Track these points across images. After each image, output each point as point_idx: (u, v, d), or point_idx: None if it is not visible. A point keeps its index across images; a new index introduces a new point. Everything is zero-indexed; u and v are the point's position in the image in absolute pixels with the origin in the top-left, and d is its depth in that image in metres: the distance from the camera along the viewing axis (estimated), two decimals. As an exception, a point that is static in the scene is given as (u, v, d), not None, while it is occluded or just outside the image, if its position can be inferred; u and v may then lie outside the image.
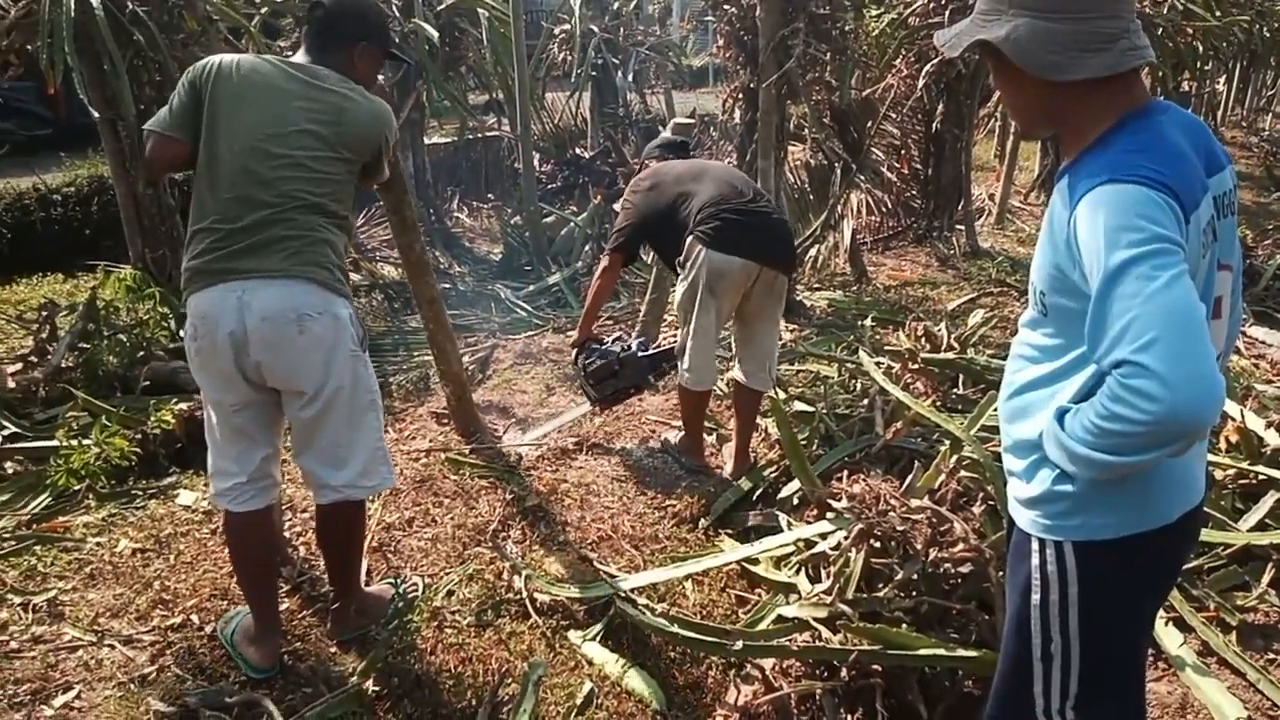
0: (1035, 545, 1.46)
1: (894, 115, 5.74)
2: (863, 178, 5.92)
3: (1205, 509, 2.87)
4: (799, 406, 3.65)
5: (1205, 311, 1.36)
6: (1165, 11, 7.70)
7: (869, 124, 5.58)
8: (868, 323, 4.84)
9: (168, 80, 4.10)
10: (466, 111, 7.05)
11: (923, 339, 3.92)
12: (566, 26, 8.41)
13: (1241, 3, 10.17)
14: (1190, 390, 1.11)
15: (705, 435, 3.54)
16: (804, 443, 3.48)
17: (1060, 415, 1.32)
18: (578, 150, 7.44)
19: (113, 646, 2.42)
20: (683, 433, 3.49)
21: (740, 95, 5.28)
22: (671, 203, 3.16)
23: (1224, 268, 1.40)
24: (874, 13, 5.87)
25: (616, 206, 3.40)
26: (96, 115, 4.24)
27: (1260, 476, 3.05)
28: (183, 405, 3.55)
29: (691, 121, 3.62)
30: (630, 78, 8.25)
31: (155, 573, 2.75)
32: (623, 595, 2.56)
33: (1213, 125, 11.99)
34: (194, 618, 2.53)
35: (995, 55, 1.37)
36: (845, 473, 3.01)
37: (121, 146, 4.33)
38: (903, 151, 6.23)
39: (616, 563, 2.83)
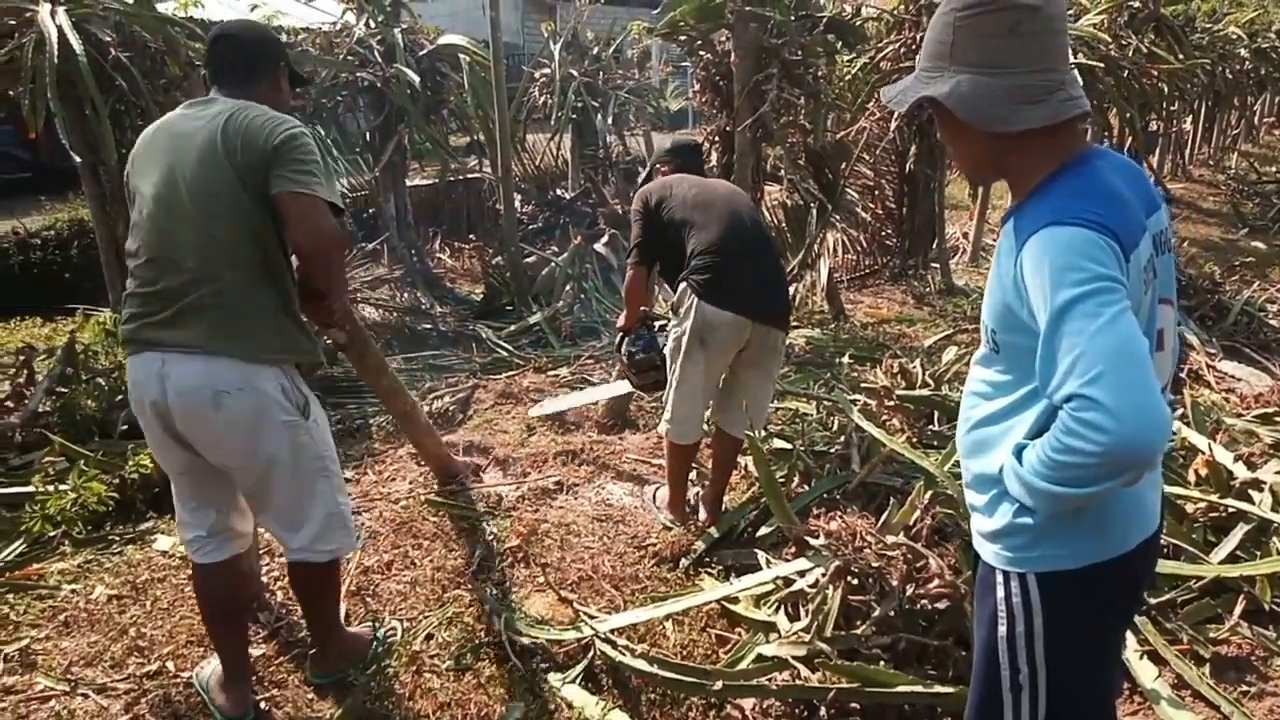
0: (1000, 578, 1.49)
1: (867, 156, 5.86)
2: (838, 218, 6.02)
3: (1179, 542, 2.95)
4: (778, 444, 3.68)
5: (1150, 345, 1.42)
6: (1131, 54, 7.93)
7: (843, 165, 5.69)
8: (845, 360, 4.90)
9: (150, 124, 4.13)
10: (448, 154, 7.13)
11: (898, 376, 3.97)
12: (547, 71, 8.55)
13: (1204, 46, 10.49)
14: (1138, 421, 1.16)
15: (689, 485, 3.46)
16: (782, 480, 3.51)
17: (1018, 451, 1.38)
18: (559, 191, 7.52)
19: (86, 696, 2.39)
20: (665, 485, 3.39)
21: (717, 138, 5.38)
22: (676, 229, 3.01)
23: (1164, 302, 1.46)
24: (847, 57, 6.01)
25: (633, 209, 3.25)
26: (78, 160, 4.26)
27: (1230, 509, 3.10)
28: (161, 449, 3.53)
29: (685, 139, 3.62)
30: (610, 120, 8.38)
31: (131, 619, 2.72)
32: (602, 636, 2.56)
33: (1181, 164, 12.28)
34: (170, 665, 2.51)
35: (940, 109, 1.44)
36: (823, 510, 3.03)
37: (102, 190, 4.34)
38: (876, 192, 6.35)
39: (596, 603, 2.83)
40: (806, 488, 3.37)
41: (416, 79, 6.20)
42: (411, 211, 7.05)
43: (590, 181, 7.79)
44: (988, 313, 1.47)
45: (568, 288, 5.85)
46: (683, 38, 5.19)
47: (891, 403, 3.72)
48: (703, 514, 3.33)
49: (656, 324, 3.39)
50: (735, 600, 2.77)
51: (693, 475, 3.60)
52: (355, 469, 3.79)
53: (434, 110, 6.79)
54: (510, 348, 5.27)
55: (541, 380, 4.83)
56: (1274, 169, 12.42)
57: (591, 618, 2.68)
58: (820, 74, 5.17)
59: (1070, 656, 1.48)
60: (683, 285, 2.98)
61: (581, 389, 4.60)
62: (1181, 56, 9.06)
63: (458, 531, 3.24)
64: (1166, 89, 9.02)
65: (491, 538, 3.19)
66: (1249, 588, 2.81)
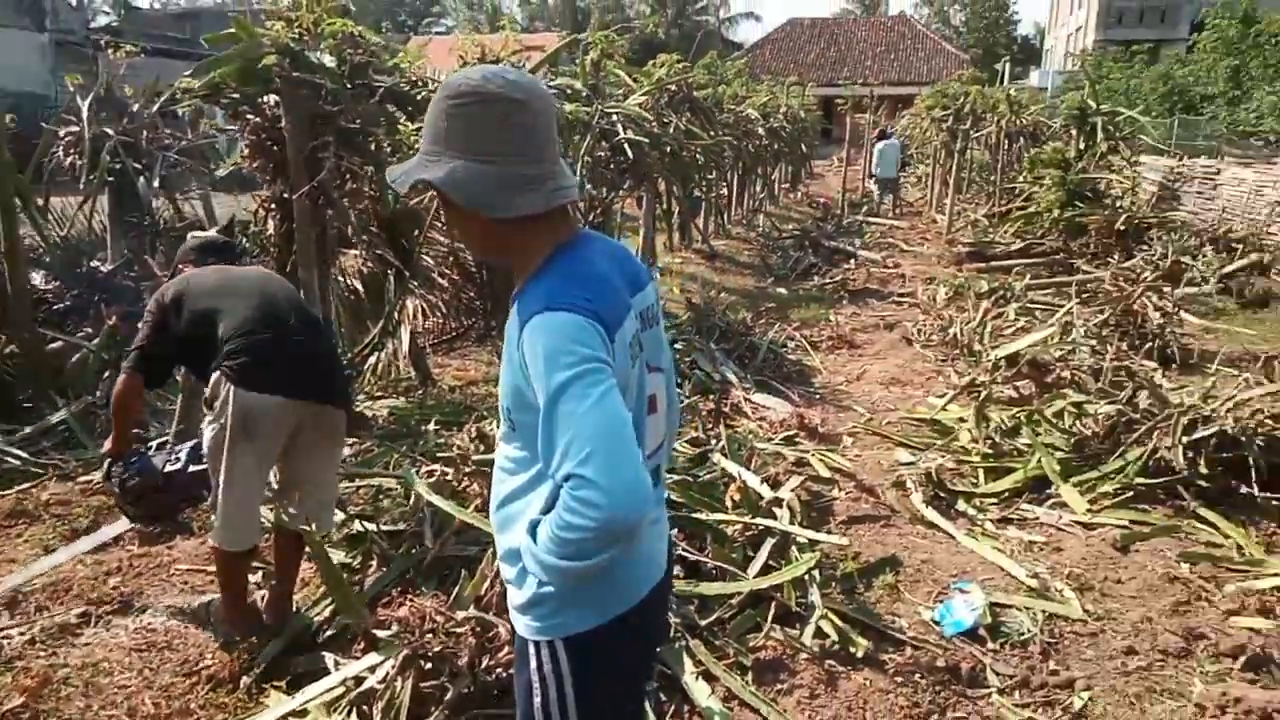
0: (531, 649, 1.53)
1: (440, 223, 5.92)
2: (416, 283, 5.99)
3: (722, 564, 3.29)
4: (358, 526, 3.48)
5: (642, 410, 1.56)
6: (672, 131, 9.05)
7: (416, 232, 5.69)
8: (432, 427, 4.83)
9: None
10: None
11: (477, 439, 3.99)
12: (75, 129, 7.46)
13: (730, 124, 12.36)
14: (626, 495, 1.27)
15: (253, 588, 3.13)
16: (359, 566, 3.33)
17: (532, 530, 1.43)
18: (94, 264, 6.54)
19: None
20: (220, 596, 3.00)
21: (273, 205, 5.06)
22: (202, 321, 2.74)
23: (655, 370, 1.61)
24: (413, 126, 6.04)
25: (148, 308, 2.85)
26: None
27: (760, 527, 3.56)
28: None
29: (210, 236, 3.26)
30: (157, 183, 7.51)
31: None
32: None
33: (723, 224, 14.26)
34: None
35: (440, 192, 1.47)
36: (397, 594, 2.91)
37: None
38: (452, 257, 6.44)
39: (129, 755, 2.40)
40: (386, 569, 3.23)
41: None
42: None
43: (133, 252, 6.89)
44: (502, 392, 1.51)
45: (107, 375, 5.05)
46: (225, 101, 4.82)
47: (469, 468, 3.71)
48: (269, 617, 3.01)
49: (153, 444, 3.06)
50: (305, 713, 2.54)
51: (257, 576, 3.26)
52: None
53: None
54: (25, 455, 4.37)
55: (68, 490, 4.08)
56: (791, 226, 14.95)
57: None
58: (384, 143, 5.11)
59: (603, 711, 1.56)
60: (216, 375, 2.70)
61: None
62: (713, 133, 10.61)
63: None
64: (703, 160, 10.47)
65: (-16, 702, 2.57)
66: (779, 595, 3.24)
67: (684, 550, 3.35)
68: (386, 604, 2.88)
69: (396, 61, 5.08)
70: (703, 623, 3.05)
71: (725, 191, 14.73)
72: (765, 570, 3.34)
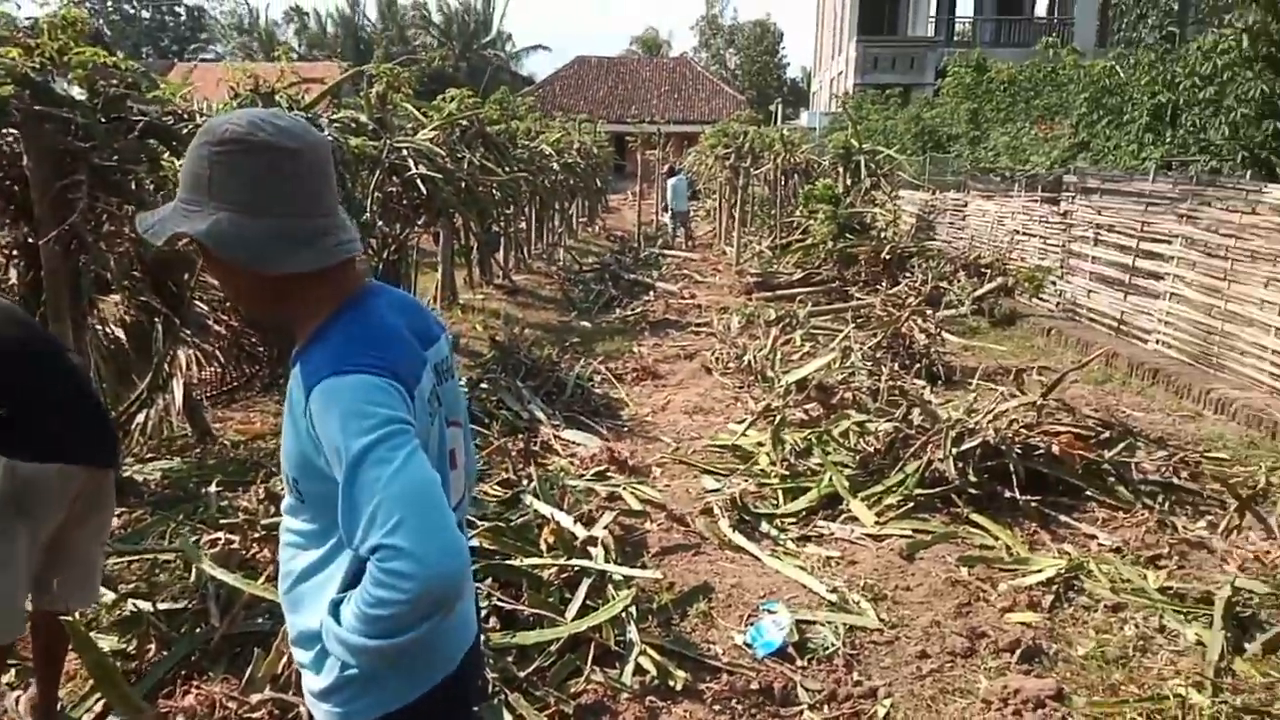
0: (339, 737, 1.40)
1: (217, 265, 5.48)
2: (189, 331, 5.50)
3: (539, 611, 3.22)
4: (131, 607, 3.10)
5: (445, 472, 1.48)
6: (466, 167, 8.95)
7: (187, 275, 5.23)
8: (213, 489, 4.42)
9: None
10: None
11: (265, 501, 3.70)
12: None
13: (525, 159, 12.41)
14: (443, 562, 1.19)
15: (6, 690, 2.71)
16: (135, 652, 2.97)
17: (334, 610, 1.32)
18: None
19: None
20: None
21: (15, 251, 4.48)
22: None
23: (453, 424, 1.55)
24: (179, 163, 5.58)
25: None
26: None
27: (576, 568, 3.53)
28: None
29: None
30: None
31: None
32: None
33: (524, 258, 14.25)
34: None
35: (203, 246, 1.33)
36: (182, 679, 2.62)
37: None
38: (229, 302, 5.99)
39: None
40: (167, 653, 2.90)
41: None
42: None
43: None
44: (287, 461, 1.39)
45: None
46: (-51, 133, 4.23)
47: (259, 533, 3.43)
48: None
49: None
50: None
51: (10, 675, 2.83)
52: None
53: None
54: None
55: None
56: (591, 259, 15.19)
57: None
58: (144, 179, 4.67)
59: None
60: None
61: None
62: (508, 168, 10.59)
63: None
64: (499, 195, 10.42)
65: None
66: (598, 635, 3.21)
67: (499, 600, 3.25)
68: (169, 694, 2.58)
69: (158, 94, 4.68)
70: (522, 674, 2.97)
71: (524, 226, 14.74)
72: (583, 611, 3.31)
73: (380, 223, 7.55)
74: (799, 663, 3.26)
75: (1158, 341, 8.11)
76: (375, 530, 1.18)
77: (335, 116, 7.27)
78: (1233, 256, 7.05)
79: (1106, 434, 5.09)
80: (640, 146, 21.51)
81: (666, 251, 16.59)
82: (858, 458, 5.02)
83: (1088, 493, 4.64)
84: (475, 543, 3.52)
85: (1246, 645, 3.28)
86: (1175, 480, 4.82)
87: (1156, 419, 6.38)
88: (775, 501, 4.78)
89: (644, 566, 3.87)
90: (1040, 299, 10.44)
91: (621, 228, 21.34)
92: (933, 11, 30.85)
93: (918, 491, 4.61)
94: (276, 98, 6.19)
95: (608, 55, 45.81)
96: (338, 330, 1.35)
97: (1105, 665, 3.22)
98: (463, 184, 8.74)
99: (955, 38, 31.97)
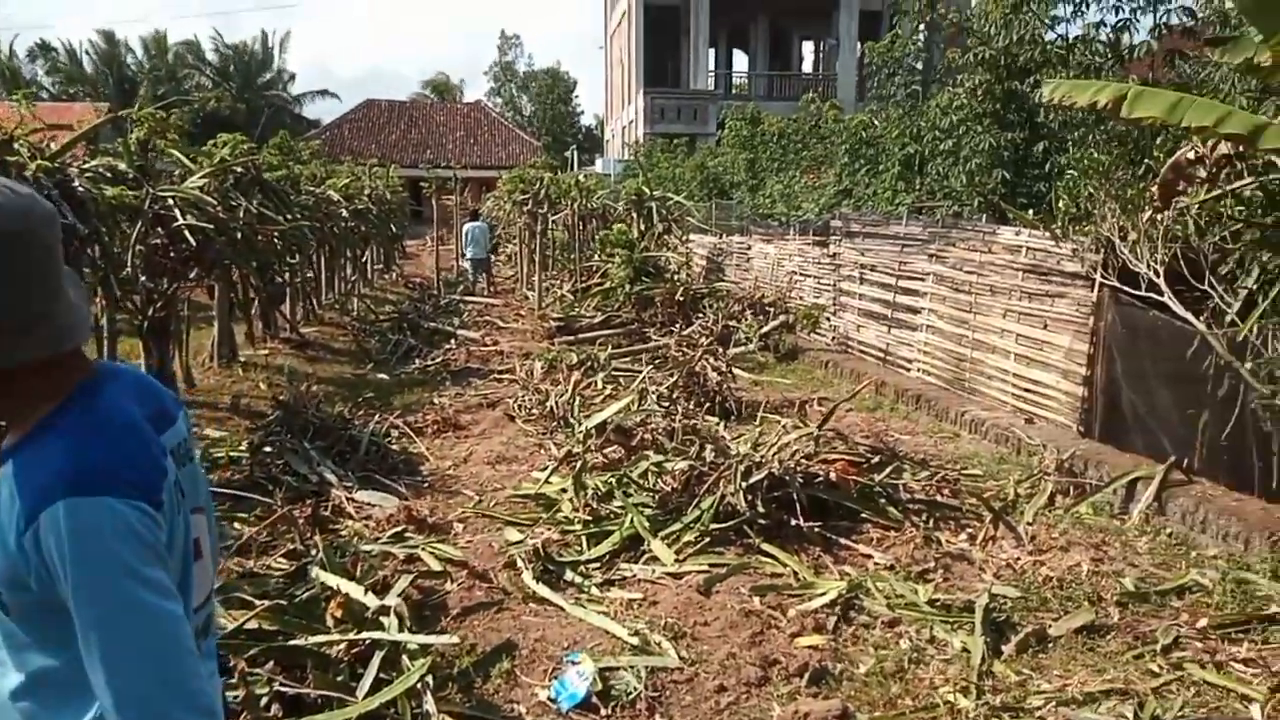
0: None
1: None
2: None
3: (326, 692, 3.03)
4: None
5: (189, 566, 1.37)
6: (242, 215, 8.41)
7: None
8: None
9: None
10: None
11: None
12: None
13: (311, 206, 11.88)
14: None
15: None
16: None
17: None
18: None
19: None
20: None
21: None
22: None
23: (197, 511, 1.44)
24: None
25: None
26: None
27: (367, 641, 3.35)
28: None
29: None
30: None
31: None
32: None
33: (313, 309, 13.56)
34: None
35: None
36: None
37: None
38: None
39: None
40: None
41: None
42: None
43: None
44: None
45: None
46: None
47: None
48: None
49: None
50: None
51: None
52: None
53: None
54: None
55: None
56: (388, 308, 14.70)
57: None
58: None
59: None
60: None
61: None
62: (289, 216, 10.08)
63: None
64: (281, 245, 9.89)
65: None
66: (393, 710, 3.06)
67: (282, 685, 3.03)
68: None
69: None
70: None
71: (312, 276, 14.06)
72: (377, 687, 3.14)
73: (144, 278, 6.98)
74: (604, 711, 3.26)
75: (919, 370, 8.92)
76: (125, 709, 1.14)
77: (88, 165, 6.68)
78: (975, 291, 7.91)
79: (877, 458, 5.52)
80: (435, 192, 21.20)
81: (468, 298, 16.38)
82: (657, 497, 5.14)
83: (863, 515, 5.00)
84: (254, 624, 3.27)
85: (1003, 648, 3.63)
86: (939, 498, 5.30)
87: (921, 441, 6.99)
88: (579, 548, 4.79)
89: (443, 630, 3.74)
90: (818, 334, 11.21)
91: (420, 274, 20.85)
92: (711, 66, 32.82)
93: (713, 526, 4.77)
94: (15, 145, 5.59)
95: (398, 99, 45.04)
96: (70, 422, 1.23)
97: (884, 680, 3.45)
98: (239, 234, 8.23)
99: (734, 90, 34.16)
